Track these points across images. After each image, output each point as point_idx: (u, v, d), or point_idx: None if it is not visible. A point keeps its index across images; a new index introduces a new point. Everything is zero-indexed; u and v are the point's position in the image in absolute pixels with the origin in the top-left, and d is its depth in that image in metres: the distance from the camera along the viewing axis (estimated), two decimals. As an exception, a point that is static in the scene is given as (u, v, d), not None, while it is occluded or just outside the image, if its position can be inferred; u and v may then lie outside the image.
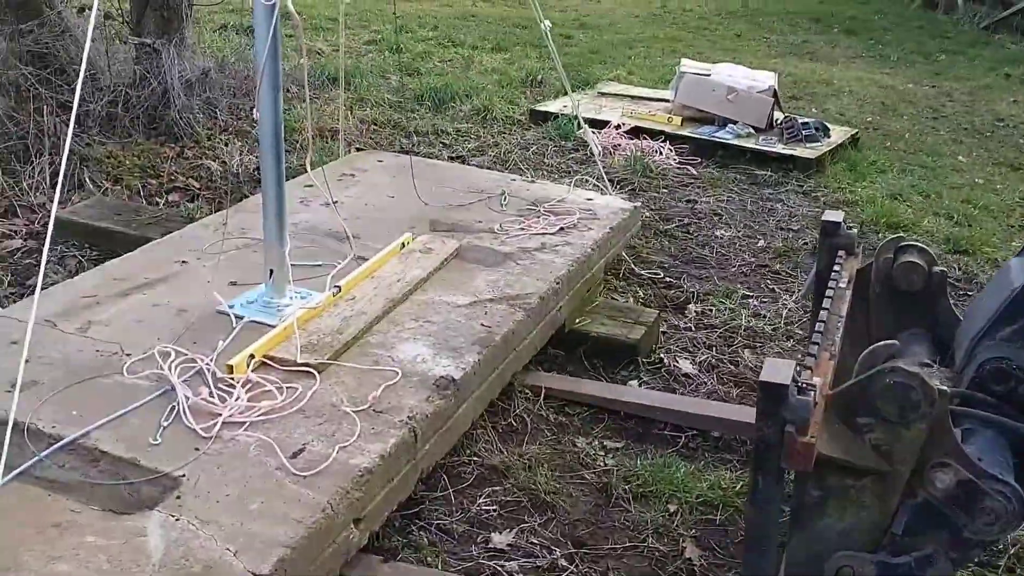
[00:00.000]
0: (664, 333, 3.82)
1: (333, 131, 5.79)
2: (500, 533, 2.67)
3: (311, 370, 2.72)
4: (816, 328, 2.33)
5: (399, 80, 7.35)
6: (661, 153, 5.91)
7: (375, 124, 6.34)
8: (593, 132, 5.95)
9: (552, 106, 6.75)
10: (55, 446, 2.33)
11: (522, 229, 3.85)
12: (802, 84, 8.43)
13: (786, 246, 4.76)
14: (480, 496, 2.82)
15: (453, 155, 5.81)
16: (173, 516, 2.12)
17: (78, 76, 5.07)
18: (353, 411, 2.55)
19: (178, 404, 2.49)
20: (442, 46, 8.89)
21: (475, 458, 2.99)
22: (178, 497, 2.19)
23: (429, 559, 2.54)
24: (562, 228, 3.86)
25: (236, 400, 2.52)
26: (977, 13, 12.05)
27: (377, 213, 3.98)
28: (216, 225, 3.72)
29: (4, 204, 4.53)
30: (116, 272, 3.30)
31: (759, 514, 1.98)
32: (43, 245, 4.26)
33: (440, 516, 2.72)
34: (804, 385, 1.93)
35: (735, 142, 6.06)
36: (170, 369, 2.64)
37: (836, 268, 2.70)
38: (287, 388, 2.62)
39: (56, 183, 4.68)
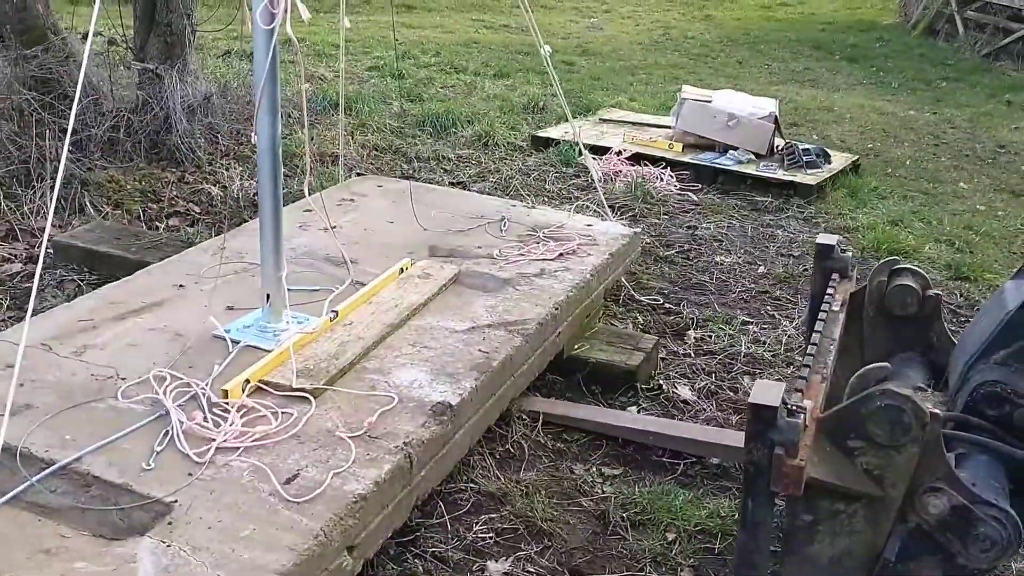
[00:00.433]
0: (663, 359, 3.80)
1: (333, 156, 5.81)
2: (496, 561, 2.64)
3: (307, 395, 2.70)
4: (808, 351, 2.31)
5: (401, 106, 7.39)
6: (662, 179, 5.92)
7: (376, 149, 6.36)
8: (594, 158, 5.97)
9: (554, 132, 6.77)
10: (47, 471, 2.31)
11: (521, 255, 3.84)
12: (803, 111, 8.45)
13: (787, 272, 4.75)
14: (477, 523, 2.80)
15: (454, 181, 5.82)
16: (164, 542, 2.10)
17: (81, 101, 5.11)
18: (348, 436, 2.52)
19: (172, 429, 2.48)
20: (444, 72, 8.94)
21: (472, 484, 2.97)
22: (170, 523, 2.16)
23: (424, 587, 2.52)
24: (562, 254, 3.86)
25: (231, 425, 2.50)
26: (978, 40, 12.11)
27: (376, 238, 3.98)
28: (214, 249, 3.71)
29: (5, 228, 4.54)
30: (113, 296, 3.30)
31: (750, 538, 1.96)
32: (43, 269, 4.27)
33: (436, 543, 2.70)
34: (794, 407, 1.91)
35: (736, 168, 6.07)
36: (165, 393, 2.63)
37: (829, 291, 2.69)
38: (282, 413, 2.60)
39: (62, 208, 4.71)
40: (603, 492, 2.99)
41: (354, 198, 4.47)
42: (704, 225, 5.34)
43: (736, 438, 3.22)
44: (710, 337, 4.03)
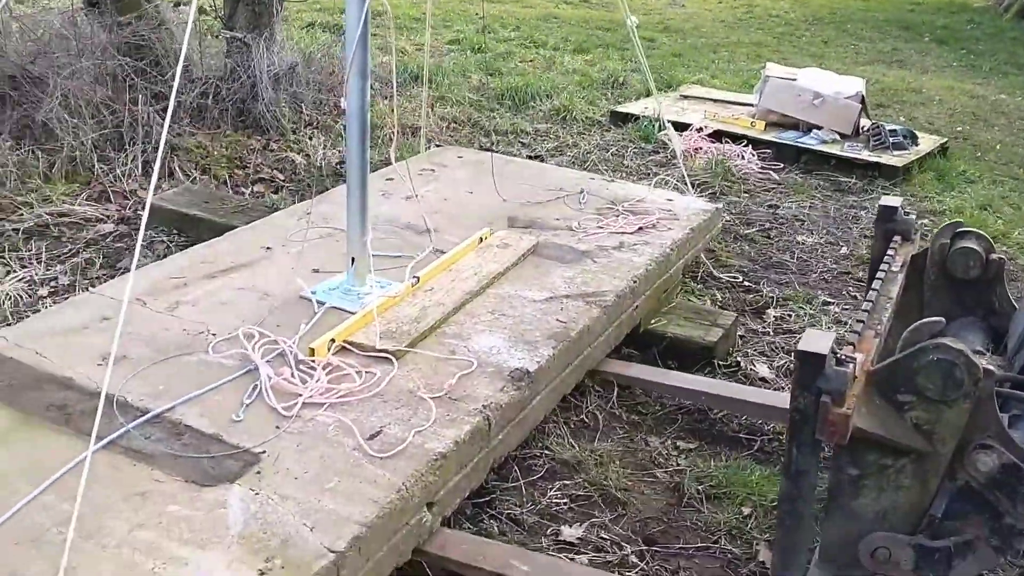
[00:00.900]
0: (742, 337, 3.77)
1: (414, 127, 5.86)
2: (570, 526, 2.67)
3: (389, 356, 2.75)
4: (863, 307, 2.28)
5: (480, 79, 7.40)
6: (743, 157, 5.83)
7: (455, 122, 6.39)
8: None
9: (633, 108, 6.71)
10: (142, 418, 2.40)
11: (600, 227, 3.84)
12: (890, 92, 8.23)
13: (871, 254, 4.65)
14: (551, 489, 2.83)
15: (532, 154, 5.82)
16: (253, 490, 2.17)
17: (172, 68, 5.25)
18: (429, 397, 2.57)
19: (260, 383, 2.55)
20: (524, 46, 8.92)
21: (546, 451, 2.99)
22: (258, 472, 2.24)
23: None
24: (641, 228, 3.84)
25: (316, 382, 2.57)
26: (1076, 23, 11.61)
27: (456, 208, 4.02)
28: (300, 214, 3.79)
29: (98, 189, 4.70)
30: (204, 256, 3.39)
31: (793, 487, 1.95)
32: (134, 229, 4.42)
33: (511, 506, 2.73)
34: (843, 357, 1.89)
35: (820, 148, 5.95)
36: (254, 350, 2.71)
37: (890, 252, 2.65)
38: (365, 372, 2.66)
39: (149, 171, 4.85)
40: (678, 464, 2.99)
41: (435, 168, 4.51)
42: (786, 204, 5.26)
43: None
44: (790, 316, 3.98)
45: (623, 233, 3.80)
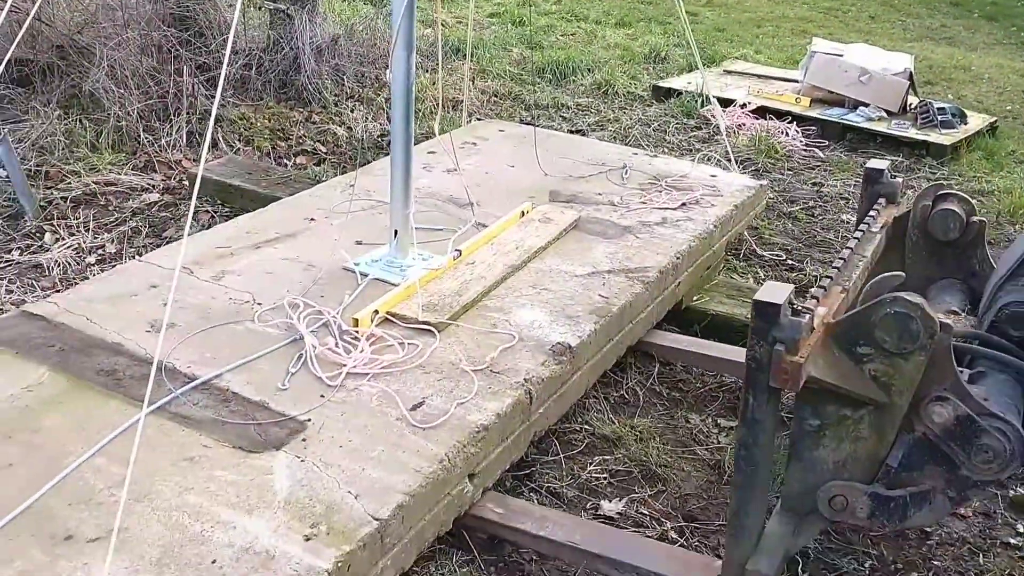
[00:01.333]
0: (784, 315, 3.73)
1: (455, 101, 5.85)
2: (610, 501, 2.68)
3: (431, 328, 2.77)
4: (834, 264, 2.34)
5: (521, 53, 7.36)
6: (787, 134, 5.76)
7: (496, 96, 6.37)
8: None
9: (676, 83, 6.64)
10: (190, 384, 2.44)
11: (643, 203, 3.82)
12: (938, 69, 8.07)
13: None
14: (591, 464, 2.83)
15: (573, 129, 5.79)
16: (299, 457, 2.20)
17: (216, 39, 5.27)
18: (471, 370, 2.59)
19: (305, 353, 2.58)
20: (565, 20, 8.85)
21: (587, 426, 3.00)
22: (303, 440, 2.26)
23: (539, 521, 2.57)
24: (684, 203, 3.81)
25: (360, 352, 2.59)
26: None
27: (497, 181, 4.01)
28: (343, 186, 3.81)
29: (144, 159, 4.75)
30: (249, 226, 3.43)
31: (749, 434, 1.99)
32: (179, 199, 4.47)
33: (551, 480, 2.74)
34: (800, 308, 1.94)
35: (866, 125, 5.86)
36: (298, 320, 2.73)
37: (872, 214, 2.69)
38: (408, 344, 2.68)
39: (194, 142, 4.90)
40: (718, 442, 2.98)
41: (476, 142, 4.51)
42: (830, 182, 5.18)
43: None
44: (832, 295, 3.93)
45: (666, 209, 3.77)
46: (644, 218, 3.68)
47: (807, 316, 1.92)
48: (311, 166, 4.95)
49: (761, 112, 6.07)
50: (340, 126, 5.45)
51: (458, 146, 4.37)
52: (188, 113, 5.01)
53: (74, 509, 2.03)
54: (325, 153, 5.14)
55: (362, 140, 5.31)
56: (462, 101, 5.59)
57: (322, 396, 2.43)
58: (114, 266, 3.50)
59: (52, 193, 4.31)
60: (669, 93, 6.47)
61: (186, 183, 4.57)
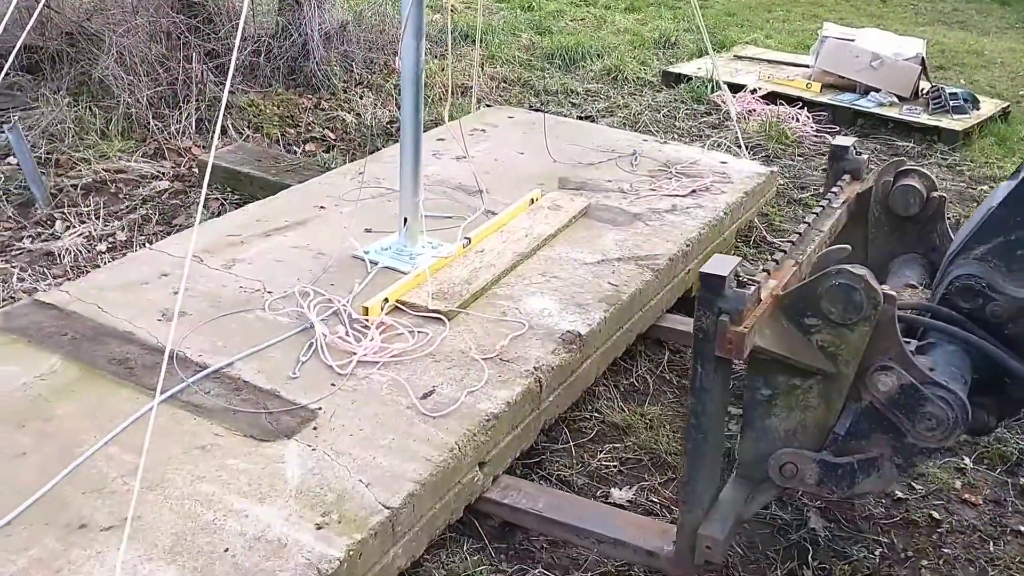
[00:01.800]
0: (793, 302, 3.72)
1: (464, 87, 5.84)
2: (620, 489, 2.68)
3: (441, 317, 2.77)
4: (790, 239, 2.40)
5: (530, 38, 7.33)
6: (798, 120, 5.73)
7: (505, 82, 6.35)
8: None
9: (686, 68, 6.61)
10: (202, 373, 2.45)
11: (653, 190, 3.81)
12: (950, 54, 8.01)
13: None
14: (601, 451, 2.84)
15: (582, 115, 5.77)
16: (310, 446, 2.21)
17: (224, 26, 5.26)
18: (481, 358, 2.59)
19: (316, 341, 2.59)
20: (575, 5, 8.81)
21: (596, 414, 3.00)
22: (314, 428, 2.27)
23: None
24: (694, 190, 3.80)
25: (370, 340, 2.60)
26: None
27: (507, 168, 4.00)
28: (352, 174, 3.81)
29: (153, 146, 4.75)
30: (259, 214, 3.43)
31: (698, 403, 2.03)
32: (188, 187, 4.47)
33: (560, 468, 2.75)
34: (746, 280, 1.99)
35: (877, 111, 5.82)
36: (309, 308, 2.74)
37: (834, 190, 2.74)
38: (418, 332, 2.68)
39: (203, 129, 4.90)
40: (729, 430, 2.97)
41: (485, 128, 4.50)
42: (840, 168, 5.15)
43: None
44: (843, 282, 3.92)
45: (676, 196, 3.76)
46: (654, 205, 3.67)
47: (752, 288, 1.97)
48: (320, 153, 4.95)
49: (772, 98, 6.03)
50: (349, 113, 5.44)
51: (467, 133, 4.36)
52: (197, 100, 5.01)
53: (88, 497, 2.04)
54: (334, 140, 5.14)
55: (371, 127, 5.30)
56: (471, 87, 5.57)
57: (333, 385, 2.44)
58: (125, 254, 3.52)
59: (62, 181, 4.32)
60: (679, 79, 6.44)
61: (196, 170, 4.57)
